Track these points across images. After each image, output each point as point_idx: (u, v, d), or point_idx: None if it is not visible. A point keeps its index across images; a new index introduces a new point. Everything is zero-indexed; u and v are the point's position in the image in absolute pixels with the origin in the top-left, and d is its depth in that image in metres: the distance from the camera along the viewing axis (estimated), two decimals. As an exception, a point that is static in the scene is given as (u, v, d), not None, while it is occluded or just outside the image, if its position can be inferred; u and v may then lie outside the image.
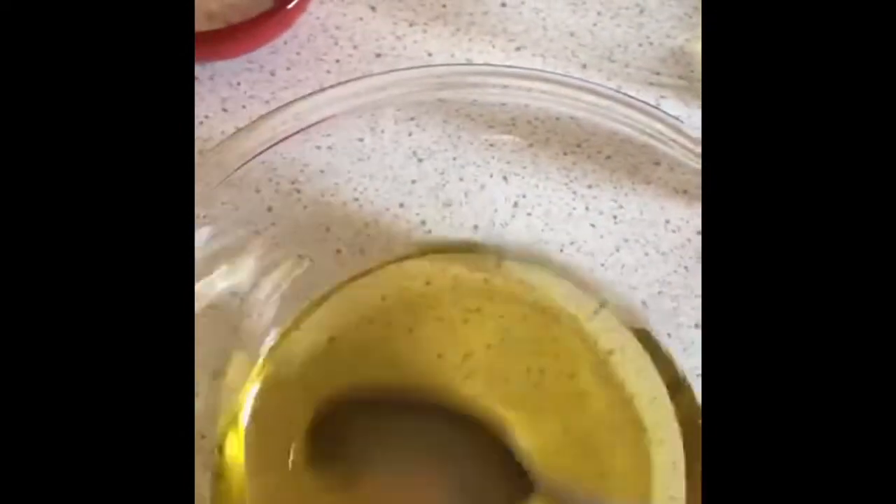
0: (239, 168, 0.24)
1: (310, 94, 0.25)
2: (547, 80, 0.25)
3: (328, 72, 0.32)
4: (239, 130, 0.24)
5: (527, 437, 0.25)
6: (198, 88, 0.31)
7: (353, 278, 0.28)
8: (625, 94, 0.25)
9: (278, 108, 0.25)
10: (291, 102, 0.25)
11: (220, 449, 0.25)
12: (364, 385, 0.26)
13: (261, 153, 0.25)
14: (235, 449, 0.25)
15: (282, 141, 0.25)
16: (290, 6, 0.30)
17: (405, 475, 0.24)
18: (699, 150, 0.25)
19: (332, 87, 0.25)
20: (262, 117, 0.24)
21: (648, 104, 0.25)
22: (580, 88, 0.26)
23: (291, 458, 0.24)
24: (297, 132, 0.25)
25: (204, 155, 0.24)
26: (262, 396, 0.26)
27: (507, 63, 0.34)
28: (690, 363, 0.27)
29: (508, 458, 0.24)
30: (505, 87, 0.27)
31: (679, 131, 0.25)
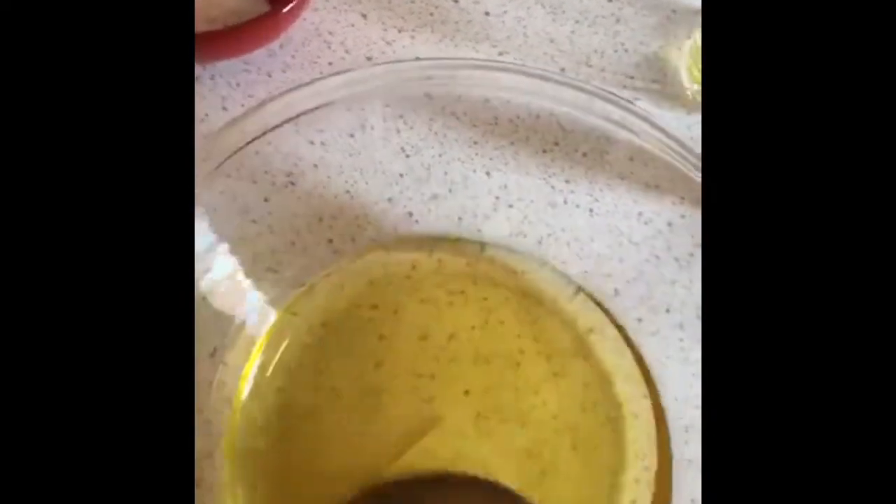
0: (237, 152, 0.25)
1: (301, 86, 0.27)
2: (528, 75, 0.27)
3: (321, 73, 0.34)
4: (234, 120, 0.26)
5: (505, 417, 0.27)
6: (199, 88, 0.33)
7: (345, 266, 0.30)
8: (602, 88, 0.27)
9: (271, 98, 0.26)
10: (284, 93, 0.27)
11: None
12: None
13: (254, 140, 0.26)
14: (237, 423, 0.26)
15: (276, 128, 0.27)
16: (284, 10, 0.32)
17: None
18: (673, 145, 0.27)
19: (320, 78, 0.27)
20: (254, 107, 0.26)
21: (623, 98, 0.27)
22: (560, 83, 0.27)
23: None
24: (290, 119, 0.27)
25: (202, 142, 0.25)
26: (261, 377, 0.27)
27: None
28: (660, 347, 0.29)
29: None
30: (486, 80, 0.28)
31: (654, 126, 0.27)
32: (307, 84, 0.27)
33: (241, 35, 0.32)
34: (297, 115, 0.27)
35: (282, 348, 0.28)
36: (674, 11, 0.38)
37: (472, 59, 0.34)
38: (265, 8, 0.33)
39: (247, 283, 0.28)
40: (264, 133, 0.27)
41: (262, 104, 0.26)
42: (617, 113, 0.27)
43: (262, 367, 0.27)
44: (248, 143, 0.26)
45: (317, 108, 0.27)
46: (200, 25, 0.32)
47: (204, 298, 0.27)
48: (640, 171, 0.30)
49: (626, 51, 0.37)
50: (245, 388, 0.27)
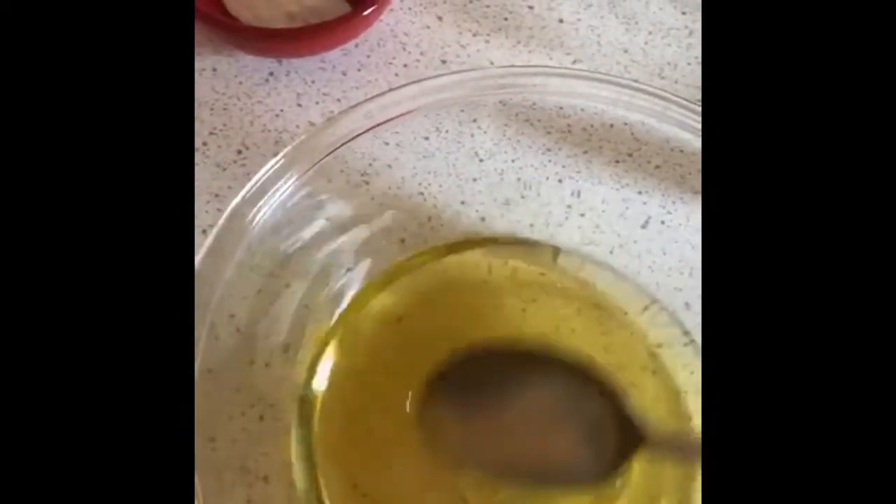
0: (323, 159, 0.26)
1: (386, 92, 0.27)
2: (604, 82, 0.27)
3: (396, 75, 0.34)
4: (320, 126, 0.26)
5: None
6: (274, 84, 0.33)
7: (418, 266, 0.30)
8: (677, 96, 0.27)
9: (354, 106, 0.26)
10: (366, 101, 0.27)
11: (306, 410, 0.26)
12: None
13: (332, 151, 0.26)
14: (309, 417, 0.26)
15: (356, 138, 0.27)
16: (365, 13, 0.32)
17: (532, 417, 0.25)
18: None
19: (401, 86, 0.27)
20: (340, 114, 0.26)
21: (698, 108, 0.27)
22: (637, 89, 0.27)
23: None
24: (372, 128, 0.27)
25: (289, 147, 0.25)
26: (334, 374, 0.27)
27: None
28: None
29: (622, 413, 0.25)
30: (562, 87, 0.28)
31: None
32: (387, 92, 0.27)
33: (320, 34, 0.32)
34: (377, 126, 0.27)
35: (354, 347, 0.28)
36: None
37: (548, 66, 0.35)
38: (344, 6, 0.34)
39: (321, 279, 0.29)
40: (344, 143, 0.27)
41: (342, 114, 0.26)
42: (691, 123, 0.27)
43: (336, 365, 0.27)
44: (328, 153, 0.26)
45: (397, 117, 0.27)
46: (280, 21, 0.33)
47: (278, 295, 0.28)
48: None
49: (699, 63, 0.36)
50: (319, 385, 0.27)
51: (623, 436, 0.24)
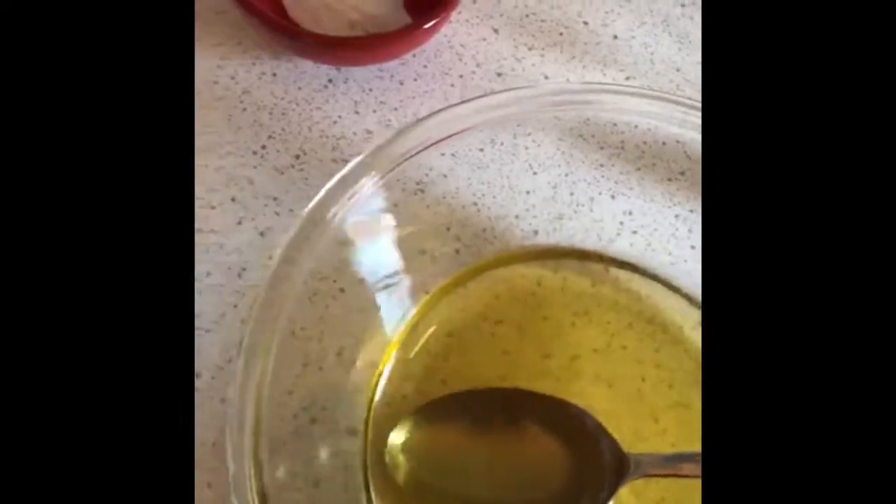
0: (392, 170, 0.26)
1: (451, 106, 0.27)
2: (656, 98, 0.27)
3: (452, 85, 0.35)
4: (377, 147, 0.26)
5: (623, 442, 0.27)
6: (332, 90, 0.34)
7: (470, 277, 0.30)
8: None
9: (420, 120, 0.27)
10: (433, 114, 0.27)
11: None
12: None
13: (396, 167, 0.27)
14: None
15: (416, 155, 0.27)
16: (427, 26, 0.32)
17: (526, 441, 0.25)
18: None
19: (475, 98, 0.27)
20: (403, 129, 0.26)
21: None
22: (690, 107, 0.27)
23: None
24: (433, 144, 0.27)
25: (357, 159, 0.26)
26: (389, 384, 0.28)
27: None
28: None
29: (610, 441, 0.25)
30: (616, 104, 0.28)
31: None
32: (450, 107, 0.27)
33: (381, 45, 0.32)
34: (436, 142, 0.27)
35: (408, 356, 0.28)
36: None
37: (602, 83, 0.35)
38: (404, 16, 0.34)
39: (375, 286, 0.29)
40: (405, 160, 0.27)
41: (406, 129, 0.26)
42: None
43: (392, 373, 0.28)
44: (391, 170, 0.26)
45: (456, 133, 0.27)
46: (341, 29, 0.33)
47: (333, 298, 0.28)
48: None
49: (752, 85, 0.36)
50: (376, 394, 0.28)
51: (613, 467, 0.24)
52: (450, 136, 0.27)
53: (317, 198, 0.24)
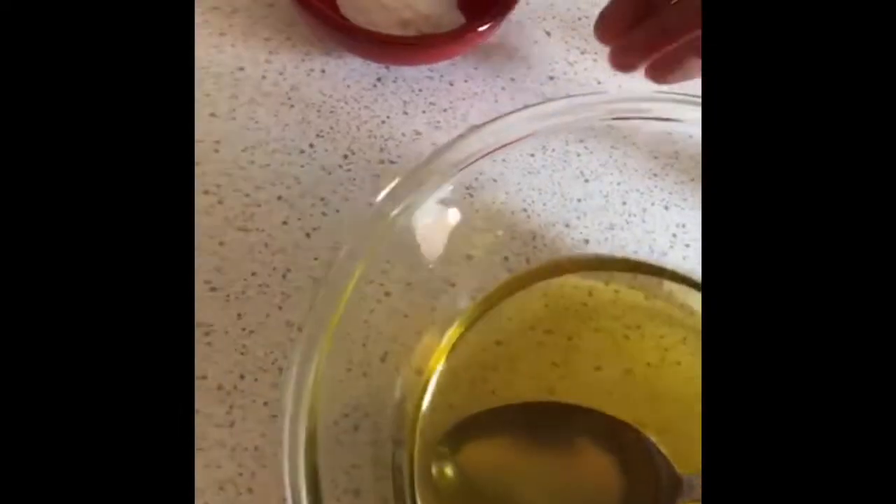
0: (453, 177, 0.25)
1: (504, 115, 0.26)
2: None
3: (503, 88, 0.34)
4: (427, 159, 0.25)
5: (677, 463, 0.26)
6: (382, 90, 0.33)
7: (520, 286, 0.29)
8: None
9: (476, 128, 0.26)
10: (489, 122, 0.26)
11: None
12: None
13: (446, 182, 0.26)
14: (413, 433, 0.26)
15: (470, 165, 0.26)
16: (481, 28, 0.31)
17: (578, 458, 0.25)
18: None
19: (532, 105, 0.26)
20: (459, 136, 0.26)
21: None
22: None
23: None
24: (489, 153, 0.26)
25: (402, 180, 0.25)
26: (436, 392, 0.27)
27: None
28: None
29: (663, 461, 0.25)
30: (671, 113, 0.28)
31: None
32: (497, 119, 0.26)
33: (434, 46, 0.32)
34: (490, 153, 0.27)
35: (455, 364, 0.27)
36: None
37: (658, 91, 0.34)
38: (458, 16, 0.33)
39: (422, 291, 0.28)
40: (460, 170, 0.26)
41: (453, 142, 0.25)
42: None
43: (439, 381, 0.27)
44: (445, 179, 0.26)
45: (514, 142, 0.27)
46: (393, 28, 0.33)
47: (378, 301, 0.27)
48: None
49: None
50: (423, 402, 0.27)
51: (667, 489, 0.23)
52: (505, 146, 0.27)
53: (375, 204, 0.23)
